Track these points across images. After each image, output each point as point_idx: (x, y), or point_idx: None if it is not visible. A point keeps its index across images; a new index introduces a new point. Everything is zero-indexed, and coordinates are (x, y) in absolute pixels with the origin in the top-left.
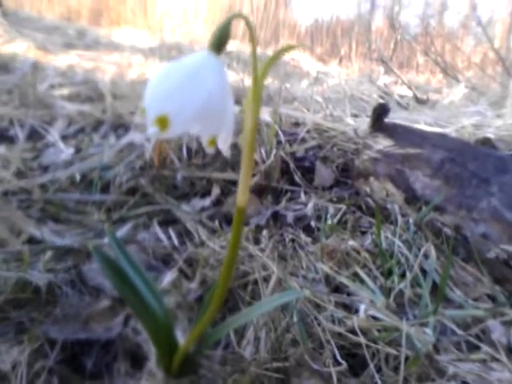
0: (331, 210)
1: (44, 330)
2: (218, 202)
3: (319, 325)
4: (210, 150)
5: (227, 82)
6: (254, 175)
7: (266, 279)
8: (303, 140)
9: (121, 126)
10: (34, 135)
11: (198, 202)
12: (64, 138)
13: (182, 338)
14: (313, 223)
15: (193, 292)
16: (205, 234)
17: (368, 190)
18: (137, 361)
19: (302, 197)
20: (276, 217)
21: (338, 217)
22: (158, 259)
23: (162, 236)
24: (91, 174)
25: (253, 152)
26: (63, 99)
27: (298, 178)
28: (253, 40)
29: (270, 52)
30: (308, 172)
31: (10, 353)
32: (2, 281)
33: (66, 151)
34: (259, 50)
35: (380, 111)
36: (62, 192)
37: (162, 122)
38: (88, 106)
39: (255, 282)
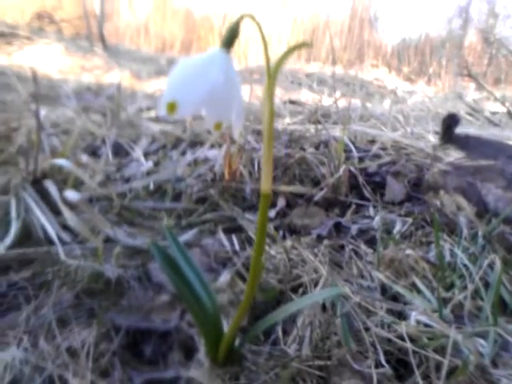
0: (398, 223)
1: (111, 317)
2: (283, 214)
3: (367, 329)
4: (215, 134)
5: (234, 75)
6: (321, 189)
7: (317, 282)
8: (377, 156)
9: (197, 144)
10: (120, 152)
11: None
12: (146, 154)
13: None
14: (377, 236)
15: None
16: (266, 241)
17: (438, 203)
18: (189, 351)
19: (371, 211)
20: (340, 229)
21: (405, 230)
22: (219, 262)
23: (225, 242)
24: (166, 184)
25: (271, 144)
26: (149, 120)
27: (367, 192)
28: (263, 39)
29: (352, 72)
30: (379, 187)
31: (81, 333)
32: (80, 272)
33: (146, 165)
34: (341, 71)
35: (449, 122)
36: (138, 200)
37: (171, 107)
38: (170, 126)
39: (307, 286)
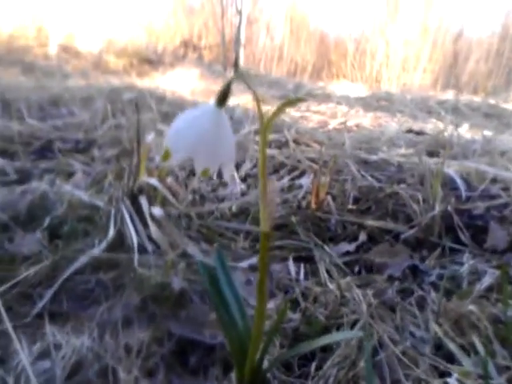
0: (489, 274)
1: (168, 325)
2: (367, 249)
3: (398, 382)
4: (202, 179)
5: (224, 127)
6: (411, 227)
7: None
8: (492, 197)
9: (296, 170)
10: None
11: (344, 246)
12: (246, 176)
13: (267, 360)
14: (441, 285)
15: (292, 322)
16: (332, 275)
17: None
18: (228, 368)
19: (464, 257)
20: (416, 272)
21: (490, 283)
22: (280, 289)
23: (292, 269)
24: (251, 207)
25: (265, 186)
26: (258, 144)
27: (464, 236)
28: (256, 98)
29: (491, 101)
30: (481, 232)
31: (139, 334)
32: (150, 280)
33: (238, 187)
34: (479, 100)
35: None
36: (222, 220)
37: (166, 155)
38: (277, 151)
39: (346, 324)
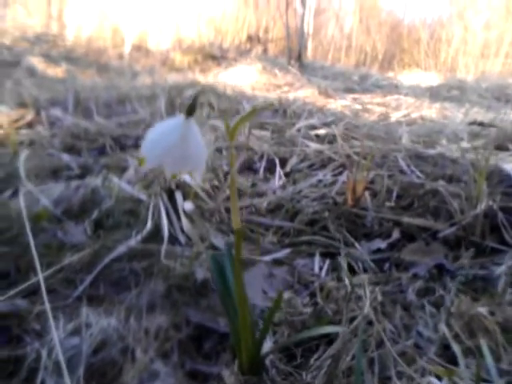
0: None
1: (187, 312)
2: (401, 247)
3: (389, 379)
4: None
5: (192, 139)
6: (452, 225)
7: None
8: None
9: (343, 166)
10: (272, 168)
11: (377, 243)
12: (291, 171)
13: (268, 348)
14: (452, 285)
15: (302, 315)
16: (355, 271)
17: None
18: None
19: (505, 258)
20: (442, 272)
21: None
22: (302, 284)
23: (316, 265)
24: (288, 203)
25: (234, 185)
26: (308, 139)
27: (509, 237)
28: (226, 124)
29: None
30: None
31: (159, 319)
32: (175, 270)
33: (278, 183)
34: None
35: None
36: (256, 215)
37: (141, 161)
38: (327, 146)
39: (346, 320)
